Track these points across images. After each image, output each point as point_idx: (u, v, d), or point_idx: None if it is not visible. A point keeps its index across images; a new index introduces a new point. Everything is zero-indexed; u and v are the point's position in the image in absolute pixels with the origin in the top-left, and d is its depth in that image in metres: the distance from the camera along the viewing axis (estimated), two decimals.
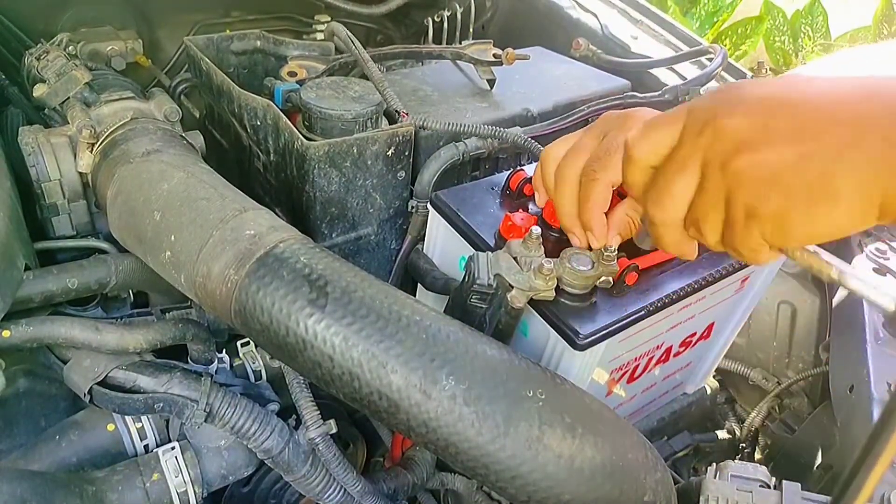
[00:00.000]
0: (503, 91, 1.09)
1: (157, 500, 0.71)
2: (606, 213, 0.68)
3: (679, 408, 1.08)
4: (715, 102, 0.51)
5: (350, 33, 1.06)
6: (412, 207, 0.93)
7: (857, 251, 1.02)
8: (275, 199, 0.98)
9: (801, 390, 1.16)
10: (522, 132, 0.96)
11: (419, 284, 0.94)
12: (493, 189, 0.87)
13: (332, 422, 0.76)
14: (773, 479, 0.70)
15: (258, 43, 1.14)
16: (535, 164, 0.90)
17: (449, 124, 0.91)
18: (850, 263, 1.01)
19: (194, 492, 0.72)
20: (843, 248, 1.05)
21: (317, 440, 0.75)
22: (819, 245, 0.52)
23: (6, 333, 0.72)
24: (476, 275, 0.69)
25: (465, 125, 0.91)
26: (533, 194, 0.86)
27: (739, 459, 0.82)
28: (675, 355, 0.92)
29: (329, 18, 1.22)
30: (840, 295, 1.01)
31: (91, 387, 0.73)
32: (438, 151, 0.92)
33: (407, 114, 0.91)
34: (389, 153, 0.90)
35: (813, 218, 0.47)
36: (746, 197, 0.48)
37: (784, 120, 0.47)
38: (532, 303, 0.69)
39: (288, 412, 0.78)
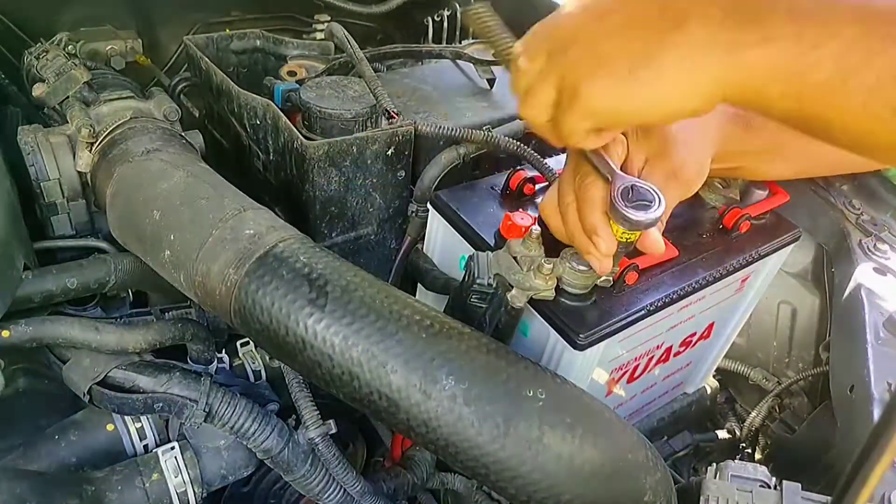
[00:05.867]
0: (503, 90, 1.08)
1: (156, 500, 0.70)
2: None
3: (679, 408, 1.08)
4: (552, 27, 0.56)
5: (346, 32, 1.05)
6: (412, 213, 0.93)
7: (858, 251, 1.02)
8: (274, 199, 0.98)
9: (801, 390, 1.16)
10: (524, 125, 0.96)
11: (419, 284, 0.94)
12: (493, 189, 0.87)
13: (331, 422, 0.76)
14: (773, 479, 0.70)
15: (258, 42, 1.14)
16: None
17: (440, 127, 0.90)
18: (852, 263, 1.01)
19: (194, 492, 0.72)
20: (842, 248, 1.05)
21: (316, 440, 0.75)
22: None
23: (6, 333, 0.72)
24: (476, 274, 0.69)
25: (453, 128, 0.91)
26: (533, 194, 0.86)
27: (739, 459, 0.82)
28: (675, 355, 0.92)
29: (329, 18, 1.22)
30: (840, 295, 1.01)
31: (90, 387, 0.73)
32: (439, 156, 0.92)
33: (398, 114, 0.91)
34: (389, 153, 0.90)
35: (635, 89, 0.50)
36: (575, 73, 0.52)
37: (617, 14, 0.52)
38: (532, 302, 0.69)
39: (288, 412, 0.78)
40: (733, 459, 0.73)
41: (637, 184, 0.61)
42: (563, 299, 0.70)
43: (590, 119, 0.54)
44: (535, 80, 0.56)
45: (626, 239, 0.64)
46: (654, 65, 0.49)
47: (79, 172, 0.90)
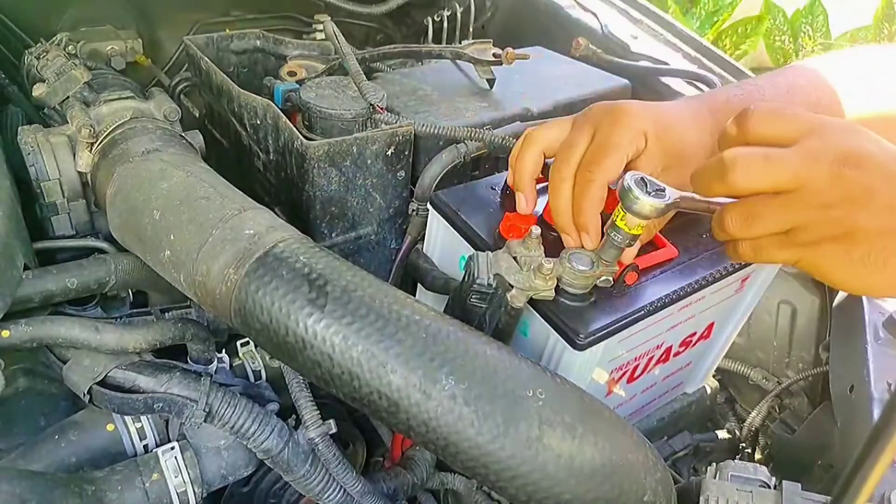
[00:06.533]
0: (503, 91, 1.08)
1: (156, 500, 0.70)
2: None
3: (679, 408, 1.08)
4: (840, 152, 0.55)
5: (336, 28, 1.05)
6: (413, 211, 0.93)
7: None
8: (274, 199, 0.98)
9: (801, 390, 1.16)
10: (523, 126, 0.96)
11: (419, 284, 0.94)
12: (493, 189, 0.87)
13: (331, 422, 0.76)
14: (773, 479, 0.70)
15: (258, 42, 1.14)
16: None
17: (440, 127, 0.90)
18: None
19: (194, 492, 0.72)
20: None
21: (316, 440, 0.75)
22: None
23: (5, 333, 0.72)
24: (476, 274, 0.69)
25: (453, 128, 0.91)
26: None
27: (739, 459, 0.82)
28: (675, 355, 0.92)
29: (329, 18, 1.22)
30: (840, 295, 1.01)
31: (90, 387, 0.73)
32: (440, 154, 0.92)
33: (383, 109, 0.91)
34: (389, 153, 0.90)
35: (853, 274, 0.55)
36: (824, 228, 0.54)
37: (884, 197, 0.53)
38: (532, 302, 0.69)
39: (288, 412, 0.78)
40: (733, 459, 0.73)
41: (646, 176, 0.62)
42: (562, 299, 0.70)
43: (793, 261, 0.58)
44: (779, 207, 0.56)
45: (626, 227, 0.64)
46: (881, 266, 0.54)
47: (79, 172, 0.90)
